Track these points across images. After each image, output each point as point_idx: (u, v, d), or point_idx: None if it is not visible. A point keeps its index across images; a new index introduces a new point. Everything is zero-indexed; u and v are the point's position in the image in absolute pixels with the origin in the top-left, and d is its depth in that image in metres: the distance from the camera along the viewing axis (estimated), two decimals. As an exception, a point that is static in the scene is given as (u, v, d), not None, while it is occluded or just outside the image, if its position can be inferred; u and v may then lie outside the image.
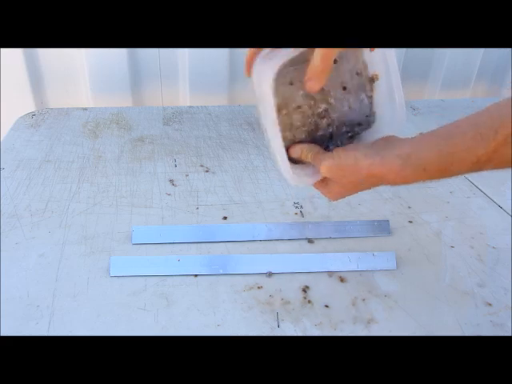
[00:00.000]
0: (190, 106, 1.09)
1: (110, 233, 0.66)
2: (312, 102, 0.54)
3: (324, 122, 0.55)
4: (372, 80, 0.56)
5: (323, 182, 0.54)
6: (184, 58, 1.09)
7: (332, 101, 0.54)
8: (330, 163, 0.50)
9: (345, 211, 0.73)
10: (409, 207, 0.75)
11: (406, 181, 0.47)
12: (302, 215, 0.71)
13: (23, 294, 0.55)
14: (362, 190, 0.52)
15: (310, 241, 0.66)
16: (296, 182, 0.53)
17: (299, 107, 0.53)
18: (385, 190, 0.78)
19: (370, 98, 0.57)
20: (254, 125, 1.00)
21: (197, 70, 1.10)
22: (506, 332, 0.53)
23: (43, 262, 0.60)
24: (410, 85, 1.27)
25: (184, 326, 0.52)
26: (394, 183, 0.48)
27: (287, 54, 0.49)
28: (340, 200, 0.73)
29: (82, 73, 1.07)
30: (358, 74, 0.56)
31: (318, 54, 0.47)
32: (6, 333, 0.50)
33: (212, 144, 0.92)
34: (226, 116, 1.04)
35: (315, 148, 0.53)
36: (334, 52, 0.48)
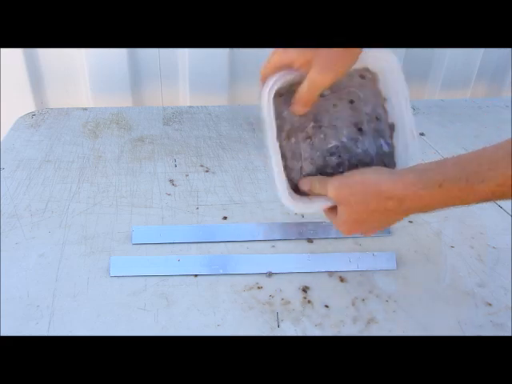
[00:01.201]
0: (190, 106, 1.09)
1: (110, 233, 0.66)
2: (322, 136, 0.52)
3: (334, 159, 0.53)
4: (393, 127, 0.54)
5: (333, 210, 0.50)
6: (184, 58, 1.09)
7: (344, 139, 0.53)
8: (336, 181, 0.48)
9: (345, 211, 0.73)
10: (409, 207, 0.75)
11: (421, 200, 0.43)
12: (302, 215, 0.71)
13: (23, 294, 0.55)
14: (376, 219, 0.48)
15: (310, 241, 0.66)
16: (300, 209, 0.52)
17: (309, 138, 0.52)
18: (385, 190, 0.78)
19: (391, 146, 0.54)
20: (254, 125, 1.00)
21: (197, 69, 1.10)
22: (506, 332, 0.53)
23: (43, 262, 0.60)
24: (410, 85, 1.26)
25: (184, 326, 0.52)
26: (407, 205, 0.44)
27: (288, 74, 0.48)
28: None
29: (82, 73, 1.07)
30: (377, 118, 0.54)
31: (307, 82, 0.47)
32: (5, 333, 0.50)
33: (212, 144, 0.92)
34: (225, 116, 1.04)
35: (324, 178, 0.50)
36: (324, 84, 0.47)
